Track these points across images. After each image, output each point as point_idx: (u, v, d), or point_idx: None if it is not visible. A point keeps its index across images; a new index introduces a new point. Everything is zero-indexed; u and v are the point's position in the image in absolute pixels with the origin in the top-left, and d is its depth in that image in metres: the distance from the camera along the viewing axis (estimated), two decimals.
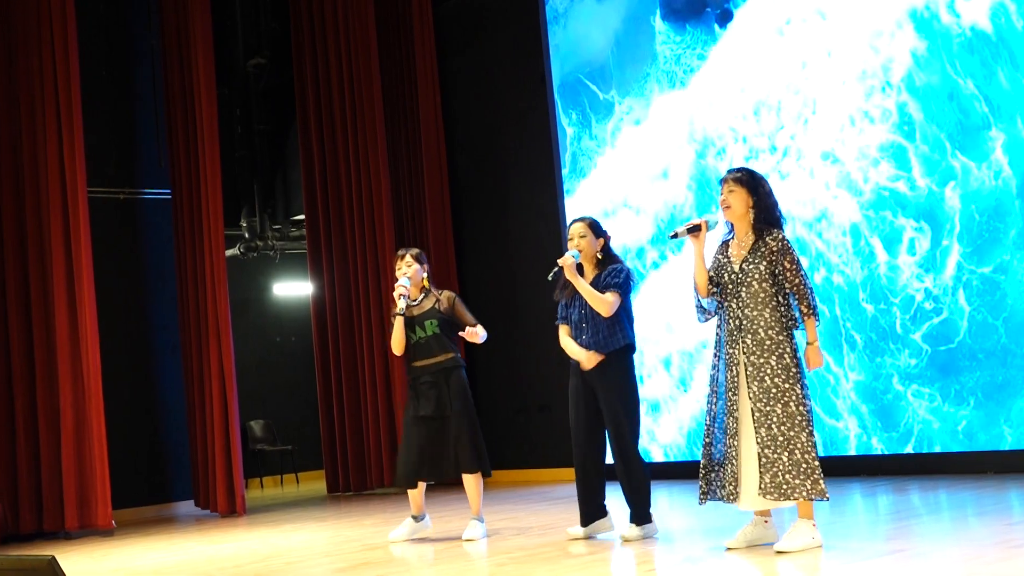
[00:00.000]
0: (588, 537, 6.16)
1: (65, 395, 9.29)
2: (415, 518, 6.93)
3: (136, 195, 11.16)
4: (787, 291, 5.29)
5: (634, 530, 6.00)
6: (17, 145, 9.55)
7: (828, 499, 5.19)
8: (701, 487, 5.44)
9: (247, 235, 13.13)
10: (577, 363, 6.08)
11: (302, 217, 12.06)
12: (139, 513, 10.30)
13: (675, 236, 5.63)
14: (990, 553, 4.70)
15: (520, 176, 11.01)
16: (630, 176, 9.80)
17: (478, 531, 6.73)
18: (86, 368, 9.33)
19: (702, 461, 5.45)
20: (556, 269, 6.02)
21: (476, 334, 6.75)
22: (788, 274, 5.27)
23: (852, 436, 8.20)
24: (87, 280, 9.42)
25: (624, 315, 6.06)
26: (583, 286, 5.98)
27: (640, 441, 6.11)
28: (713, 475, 5.42)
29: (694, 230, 5.50)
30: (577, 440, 6.14)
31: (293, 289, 14.88)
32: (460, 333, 6.82)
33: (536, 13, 10.69)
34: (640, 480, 6.02)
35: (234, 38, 12.47)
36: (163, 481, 10.99)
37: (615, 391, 6.00)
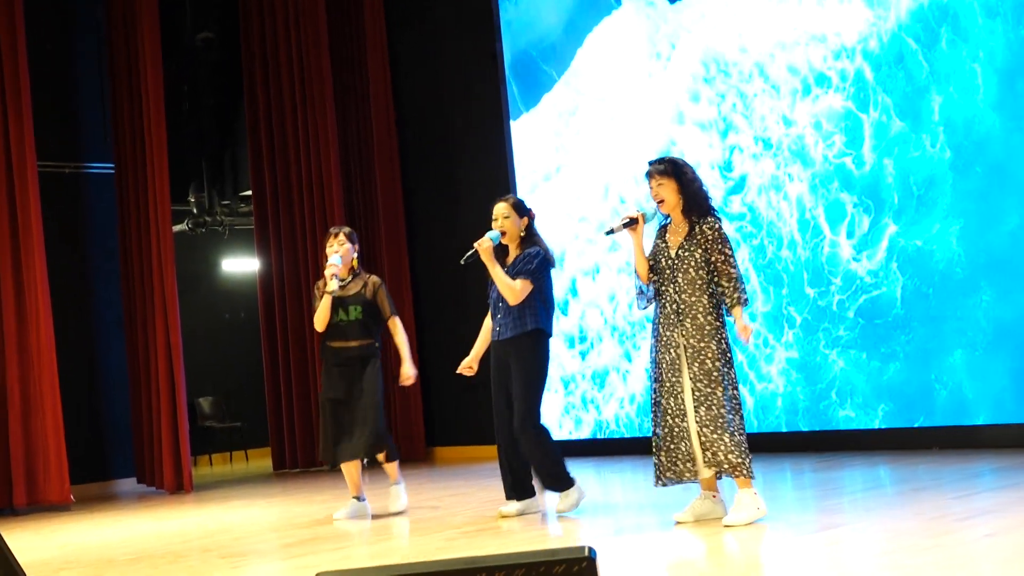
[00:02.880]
0: (518, 514, 6.19)
1: (12, 371, 9.20)
2: (356, 499, 6.93)
3: (80, 169, 11.03)
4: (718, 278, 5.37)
5: (563, 500, 6.08)
6: None
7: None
8: (655, 472, 5.50)
9: (195, 211, 13.03)
10: (495, 343, 6.18)
11: (250, 193, 11.97)
12: (81, 491, 10.17)
13: (611, 232, 5.69)
14: (930, 527, 4.78)
15: (471, 153, 11.00)
16: (581, 152, 9.82)
17: (402, 499, 6.90)
18: (35, 343, 9.26)
19: (653, 447, 5.51)
20: (471, 251, 6.06)
21: (410, 378, 6.92)
22: (719, 263, 5.35)
23: (792, 410, 8.29)
24: (38, 254, 9.33)
25: (538, 300, 6.09)
26: (495, 272, 6.05)
27: (538, 418, 6.12)
28: (663, 457, 5.47)
29: (631, 224, 5.56)
30: (497, 415, 6.23)
31: (242, 265, 14.79)
32: (403, 371, 6.94)
33: None
34: (539, 451, 6.05)
35: (181, 12, 12.33)
36: (104, 458, 10.90)
37: (519, 370, 6.06)
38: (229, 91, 12.56)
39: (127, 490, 10.71)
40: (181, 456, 10.07)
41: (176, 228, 11.46)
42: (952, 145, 7.53)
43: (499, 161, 10.56)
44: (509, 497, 6.24)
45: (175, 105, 12.09)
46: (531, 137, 10.26)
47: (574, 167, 9.89)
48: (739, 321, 5.33)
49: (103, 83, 11.03)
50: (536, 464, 6.10)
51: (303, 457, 11.14)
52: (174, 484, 10.06)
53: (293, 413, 11.18)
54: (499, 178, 10.52)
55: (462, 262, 6.17)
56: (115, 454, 10.93)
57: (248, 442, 14.37)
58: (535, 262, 6.07)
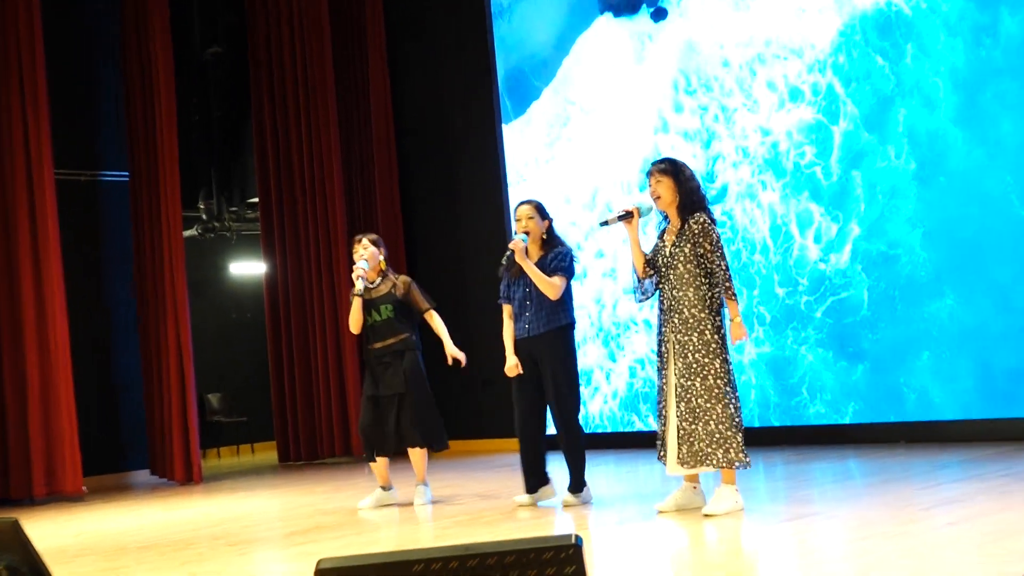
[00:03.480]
0: (533, 504, 6.19)
1: (32, 368, 9.20)
2: (383, 488, 6.91)
3: (97, 177, 11.02)
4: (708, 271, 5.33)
5: (574, 497, 6.05)
6: None
7: (745, 466, 5.25)
8: (657, 451, 5.51)
9: (205, 217, 13.00)
10: (522, 340, 6.11)
11: (257, 200, 11.97)
12: (97, 481, 10.18)
13: (605, 224, 5.66)
14: (900, 515, 4.80)
15: (466, 162, 11.00)
16: (571, 159, 9.83)
17: (424, 496, 6.78)
18: (53, 342, 9.25)
19: (657, 429, 5.51)
20: (508, 253, 6.02)
21: (457, 354, 6.78)
22: (707, 255, 5.31)
23: (764, 404, 8.31)
24: (55, 258, 9.33)
25: (566, 295, 6.09)
26: (533, 271, 5.99)
27: (580, 413, 6.15)
28: (660, 438, 5.49)
29: (626, 216, 5.53)
30: (520, 412, 6.16)
31: (249, 268, 14.77)
32: (448, 354, 6.80)
33: (482, 6, 10.67)
34: (579, 450, 6.07)
35: (192, 28, 12.32)
36: (119, 451, 10.88)
37: (558, 366, 6.03)
38: (237, 103, 12.55)
39: (141, 481, 10.69)
40: (191, 449, 10.06)
41: (186, 233, 11.44)
42: (916, 156, 7.56)
43: (493, 167, 10.57)
44: (530, 488, 6.20)
45: (186, 117, 12.06)
46: (523, 144, 10.27)
47: (564, 173, 9.89)
48: (733, 314, 5.28)
49: (118, 96, 11.02)
50: (574, 459, 6.07)
51: (306, 450, 11.13)
52: (184, 475, 10.05)
53: (297, 408, 11.17)
54: (493, 184, 10.54)
55: (502, 262, 6.12)
56: (129, 447, 10.90)
57: (254, 436, 14.35)
58: (567, 259, 6.09)
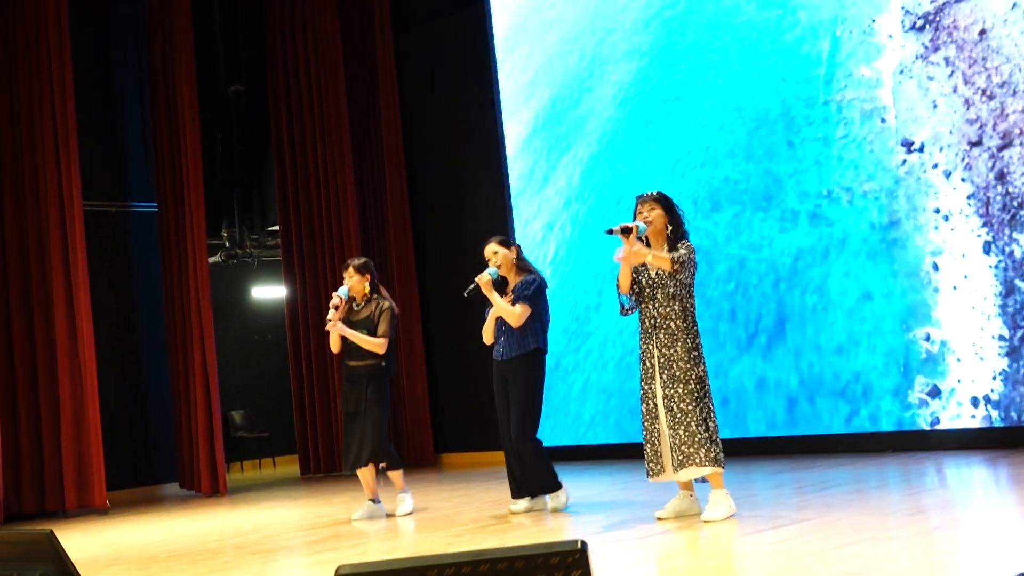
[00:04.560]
0: (527, 510, 6.19)
1: (64, 388, 9.19)
2: (372, 501, 6.89)
3: (126, 208, 11.04)
4: (687, 283, 5.32)
5: (554, 500, 6.13)
6: (19, 162, 9.46)
7: (721, 468, 5.24)
8: (647, 471, 5.49)
9: (228, 244, 13.01)
10: (500, 362, 6.19)
11: (277, 228, 11.99)
12: (130, 494, 10.19)
13: (610, 232, 5.67)
14: (892, 520, 4.76)
15: (473, 190, 11.01)
16: (568, 188, 9.84)
17: (403, 505, 6.83)
18: (83, 364, 9.24)
19: (646, 449, 5.49)
20: (472, 286, 6.11)
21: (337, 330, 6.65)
22: (675, 252, 5.31)
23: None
24: (83, 285, 9.34)
25: (537, 322, 6.13)
26: (496, 301, 6.08)
27: (536, 430, 6.11)
28: (647, 454, 5.46)
29: (626, 231, 5.53)
30: (502, 425, 6.24)
31: (269, 292, 14.78)
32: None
33: (486, 42, 10.71)
34: (534, 460, 6.08)
35: (215, 67, 12.37)
36: (151, 465, 10.86)
37: (520, 387, 6.09)
38: (258, 137, 12.58)
39: (170, 493, 10.67)
40: (216, 463, 10.04)
41: (211, 260, 11.44)
42: None
43: (499, 197, 10.57)
44: (517, 496, 6.24)
45: (210, 150, 12.10)
46: (525, 173, 10.28)
47: (560, 202, 9.90)
48: (638, 245, 5.26)
49: (146, 131, 11.05)
50: (532, 471, 6.11)
51: (326, 463, 11.10)
52: (211, 488, 10.03)
53: (316, 424, 11.15)
54: (498, 212, 10.54)
55: (465, 295, 6.17)
56: (159, 461, 10.88)
57: (276, 450, 14.33)
58: (532, 288, 6.11)
